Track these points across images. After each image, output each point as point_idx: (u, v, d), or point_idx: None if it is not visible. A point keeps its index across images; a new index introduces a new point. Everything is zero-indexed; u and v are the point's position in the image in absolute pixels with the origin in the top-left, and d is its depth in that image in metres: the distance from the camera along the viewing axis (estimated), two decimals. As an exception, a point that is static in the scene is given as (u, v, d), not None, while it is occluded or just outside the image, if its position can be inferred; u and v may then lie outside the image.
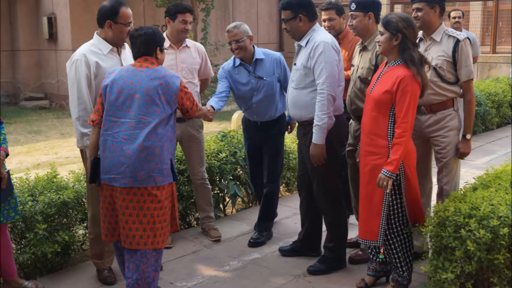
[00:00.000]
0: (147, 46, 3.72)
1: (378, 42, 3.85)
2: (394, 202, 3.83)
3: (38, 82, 15.28)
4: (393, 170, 3.65)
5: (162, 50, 3.81)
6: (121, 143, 3.57)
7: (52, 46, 14.78)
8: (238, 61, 4.94)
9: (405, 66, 3.73)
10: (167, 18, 4.87)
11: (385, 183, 3.67)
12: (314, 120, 4.13)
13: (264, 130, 5.06)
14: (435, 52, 4.26)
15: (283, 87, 5.00)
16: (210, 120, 4.46)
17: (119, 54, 4.25)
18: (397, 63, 3.79)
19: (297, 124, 4.61)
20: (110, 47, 4.17)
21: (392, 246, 3.90)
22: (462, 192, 3.84)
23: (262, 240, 5.03)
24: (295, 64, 4.30)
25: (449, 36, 4.26)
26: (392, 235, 3.87)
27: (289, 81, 4.44)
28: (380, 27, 3.85)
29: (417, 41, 4.38)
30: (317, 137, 4.13)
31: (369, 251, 4.14)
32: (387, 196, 3.78)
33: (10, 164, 8.20)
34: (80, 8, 13.92)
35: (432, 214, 3.67)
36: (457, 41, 4.22)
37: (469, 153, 4.36)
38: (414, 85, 3.69)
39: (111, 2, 4.13)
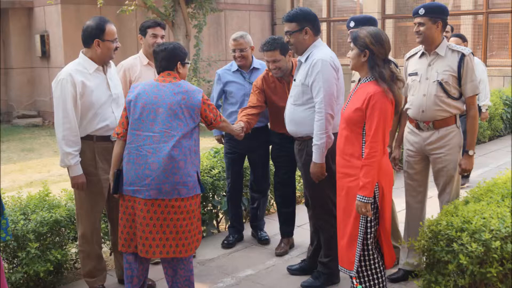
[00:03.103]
0: (168, 61, 3.85)
1: (349, 57, 3.74)
2: (370, 225, 3.61)
3: (31, 100, 15.26)
4: (368, 194, 3.48)
5: (184, 64, 3.91)
6: (145, 156, 3.69)
7: (44, 63, 14.79)
8: (235, 67, 5.22)
9: (376, 82, 3.57)
10: (139, 35, 4.92)
11: (363, 209, 3.50)
12: (313, 139, 4.10)
13: (253, 138, 5.12)
14: (440, 67, 4.20)
15: None
16: (240, 138, 4.55)
17: (105, 72, 4.26)
18: (368, 80, 3.64)
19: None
20: (96, 66, 4.18)
21: (365, 273, 3.70)
22: (453, 206, 3.82)
23: (232, 241, 5.38)
24: (294, 80, 4.28)
25: (453, 50, 4.21)
26: (367, 262, 3.69)
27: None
28: (350, 42, 3.75)
29: (418, 55, 4.35)
30: (317, 156, 4.10)
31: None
32: (362, 221, 3.59)
33: (2, 182, 8.17)
34: (72, 26, 13.94)
35: (424, 228, 3.67)
36: (462, 55, 4.16)
37: (471, 170, 4.30)
38: (384, 102, 3.51)
39: (95, 21, 4.18)
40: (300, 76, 4.20)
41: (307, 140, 4.23)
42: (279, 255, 5.12)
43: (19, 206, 4.43)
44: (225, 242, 5.36)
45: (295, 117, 4.27)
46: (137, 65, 4.85)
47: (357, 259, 3.63)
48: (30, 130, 13.66)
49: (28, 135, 13.00)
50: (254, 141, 5.18)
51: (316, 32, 4.23)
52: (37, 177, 8.75)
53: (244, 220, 5.95)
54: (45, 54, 14.52)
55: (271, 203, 6.37)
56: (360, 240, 3.61)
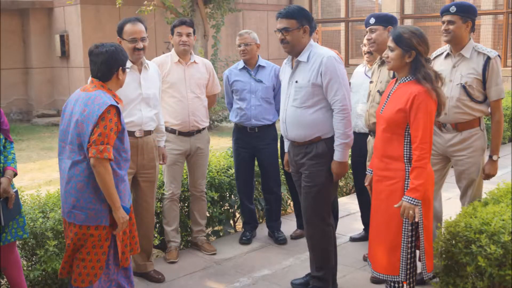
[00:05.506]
0: (108, 65, 3.51)
1: (387, 58, 3.55)
2: (414, 228, 3.48)
3: (50, 99, 15.43)
4: (419, 197, 3.33)
5: (124, 70, 3.60)
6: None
7: (64, 63, 14.94)
8: (242, 65, 5.35)
9: (417, 82, 3.42)
10: (170, 35, 5.11)
11: (411, 211, 3.34)
12: (338, 139, 3.94)
13: (261, 137, 5.29)
14: (464, 69, 4.11)
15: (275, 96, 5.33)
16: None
17: (140, 72, 4.41)
18: (408, 79, 3.49)
19: (287, 143, 4.32)
20: (130, 63, 4.30)
21: (411, 280, 3.55)
22: (472, 207, 3.78)
23: (249, 237, 5.48)
24: (296, 82, 4.02)
25: (479, 52, 4.10)
26: (410, 265, 3.55)
27: (284, 98, 4.18)
28: (390, 42, 3.51)
29: (443, 56, 4.28)
30: (343, 155, 3.96)
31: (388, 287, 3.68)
32: (406, 225, 3.46)
33: (22, 181, 8.26)
34: (92, 26, 14.08)
35: (443, 230, 3.64)
36: (488, 58, 4.06)
37: (495, 175, 4.21)
38: (429, 102, 3.36)
39: (121, 20, 4.38)
40: (307, 76, 3.97)
41: (315, 142, 4.04)
42: (294, 238, 5.48)
43: (38, 204, 4.46)
44: (244, 238, 5.44)
45: (303, 120, 4.01)
46: (167, 62, 5.00)
47: (403, 263, 3.50)
48: (49, 129, 13.79)
49: (47, 134, 13.13)
50: (261, 140, 5.30)
51: (311, 33, 4.05)
52: (56, 175, 8.81)
53: (261, 220, 5.97)
54: (65, 54, 14.68)
55: (288, 203, 6.37)
56: (404, 244, 3.49)
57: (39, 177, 8.85)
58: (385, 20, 4.40)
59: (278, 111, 5.14)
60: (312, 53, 4.00)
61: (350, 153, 4.42)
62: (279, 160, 5.43)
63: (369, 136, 4.55)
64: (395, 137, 3.48)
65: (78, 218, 3.42)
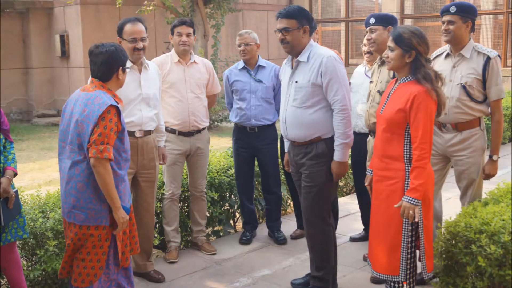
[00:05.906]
0: (108, 65, 3.50)
1: (387, 58, 3.55)
2: (414, 228, 3.48)
3: (50, 99, 15.42)
4: (419, 197, 3.33)
5: (124, 70, 3.59)
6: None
7: (64, 63, 14.94)
8: (242, 65, 5.35)
9: (417, 82, 3.42)
10: (170, 35, 5.12)
11: (411, 211, 3.34)
12: (338, 139, 3.94)
13: (261, 137, 5.30)
14: (464, 69, 4.11)
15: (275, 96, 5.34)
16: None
17: (140, 72, 4.42)
18: (408, 79, 3.49)
19: (287, 143, 4.33)
20: (130, 63, 4.31)
21: (411, 279, 3.55)
22: (472, 207, 3.77)
23: (249, 237, 5.48)
24: (296, 82, 4.01)
25: (479, 52, 4.10)
26: (411, 265, 3.55)
27: (284, 98, 4.17)
28: (390, 42, 3.51)
29: (443, 56, 4.28)
30: (343, 155, 3.96)
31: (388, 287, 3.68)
32: (406, 225, 3.46)
33: (22, 180, 8.26)
34: (92, 26, 14.07)
35: (443, 230, 3.63)
36: (488, 58, 4.06)
37: (495, 175, 4.20)
38: (429, 102, 3.36)
39: (122, 20, 4.39)
40: (307, 76, 3.97)
41: (315, 142, 4.04)
42: (294, 238, 5.49)
43: (38, 204, 4.46)
44: (244, 238, 5.44)
45: (303, 120, 4.00)
46: (167, 63, 5.01)
47: (403, 263, 3.50)
48: (49, 129, 13.78)
49: (47, 134, 13.13)
50: (261, 140, 5.30)
51: (311, 33, 4.04)
52: (56, 175, 8.81)
53: (260, 220, 5.97)
54: (65, 54, 14.68)
55: (288, 203, 6.37)
56: (404, 244, 3.48)
57: (39, 177, 8.85)
58: (385, 20, 4.40)
59: (278, 111, 5.14)
60: (312, 53, 4.00)
61: (350, 153, 4.41)
62: (279, 160, 5.43)
63: (369, 136, 4.56)
64: (395, 137, 3.48)
65: (78, 218, 3.42)
